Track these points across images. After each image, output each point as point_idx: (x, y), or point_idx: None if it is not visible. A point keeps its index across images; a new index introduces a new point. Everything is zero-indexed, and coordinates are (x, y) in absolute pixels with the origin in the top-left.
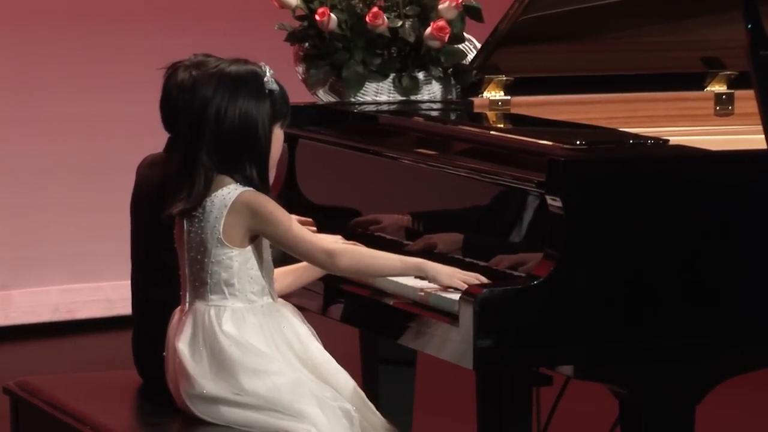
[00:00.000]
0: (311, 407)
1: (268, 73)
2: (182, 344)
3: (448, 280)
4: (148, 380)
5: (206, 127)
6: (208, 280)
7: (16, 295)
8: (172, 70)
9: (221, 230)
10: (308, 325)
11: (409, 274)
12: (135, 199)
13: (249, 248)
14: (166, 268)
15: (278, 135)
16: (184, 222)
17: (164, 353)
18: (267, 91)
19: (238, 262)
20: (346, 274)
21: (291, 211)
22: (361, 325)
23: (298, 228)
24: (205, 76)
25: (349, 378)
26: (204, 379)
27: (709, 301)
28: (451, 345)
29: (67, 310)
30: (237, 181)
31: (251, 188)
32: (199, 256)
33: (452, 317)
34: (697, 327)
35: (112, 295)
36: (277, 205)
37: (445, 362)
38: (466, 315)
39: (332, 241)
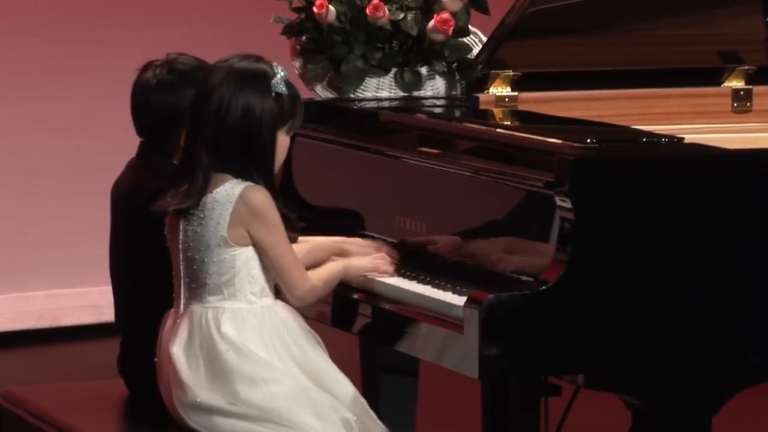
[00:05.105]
0: (309, 418)
1: (279, 75)
2: (177, 349)
3: (362, 272)
4: (135, 391)
5: (206, 122)
6: (207, 281)
7: None
8: (142, 70)
9: (226, 228)
10: (308, 327)
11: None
12: (111, 209)
13: (251, 246)
14: (139, 280)
15: (282, 141)
16: (180, 222)
17: (155, 359)
18: (273, 93)
19: (240, 261)
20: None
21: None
22: (360, 332)
23: (290, 246)
24: (214, 69)
25: (349, 384)
26: (198, 387)
27: (727, 306)
28: (456, 353)
29: (53, 316)
30: (237, 177)
31: (253, 183)
32: (197, 256)
33: (456, 324)
34: (714, 334)
35: (99, 300)
36: (276, 210)
37: (449, 371)
38: (472, 321)
39: (306, 275)
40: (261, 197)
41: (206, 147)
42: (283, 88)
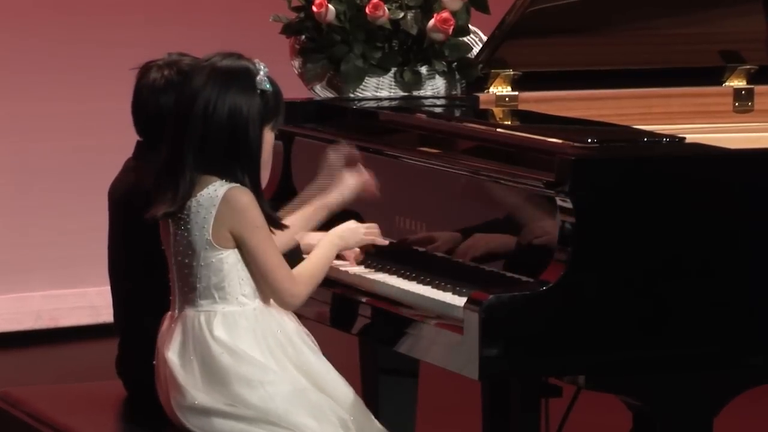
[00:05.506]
0: (307, 419)
1: (261, 72)
2: (172, 354)
3: (358, 242)
4: (134, 392)
5: (193, 124)
6: (198, 285)
7: None
8: (145, 70)
9: (210, 231)
10: (304, 328)
11: (334, 255)
12: (109, 209)
13: (237, 248)
14: (136, 281)
15: (267, 138)
16: (170, 225)
17: (154, 362)
18: (258, 90)
19: (228, 263)
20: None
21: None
22: (359, 333)
23: (275, 248)
24: (196, 70)
25: (346, 385)
26: (195, 389)
27: (729, 307)
28: (456, 354)
29: (50, 317)
30: (222, 178)
31: (237, 184)
32: (187, 260)
33: (456, 324)
34: (715, 335)
35: (97, 301)
36: (260, 212)
37: (449, 371)
38: (472, 322)
39: (292, 278)
40: (244, 199)
41: (193, 149)
42: (268, 85)
